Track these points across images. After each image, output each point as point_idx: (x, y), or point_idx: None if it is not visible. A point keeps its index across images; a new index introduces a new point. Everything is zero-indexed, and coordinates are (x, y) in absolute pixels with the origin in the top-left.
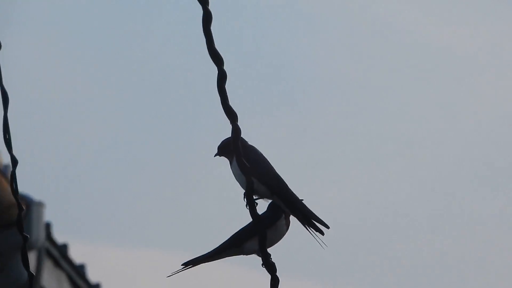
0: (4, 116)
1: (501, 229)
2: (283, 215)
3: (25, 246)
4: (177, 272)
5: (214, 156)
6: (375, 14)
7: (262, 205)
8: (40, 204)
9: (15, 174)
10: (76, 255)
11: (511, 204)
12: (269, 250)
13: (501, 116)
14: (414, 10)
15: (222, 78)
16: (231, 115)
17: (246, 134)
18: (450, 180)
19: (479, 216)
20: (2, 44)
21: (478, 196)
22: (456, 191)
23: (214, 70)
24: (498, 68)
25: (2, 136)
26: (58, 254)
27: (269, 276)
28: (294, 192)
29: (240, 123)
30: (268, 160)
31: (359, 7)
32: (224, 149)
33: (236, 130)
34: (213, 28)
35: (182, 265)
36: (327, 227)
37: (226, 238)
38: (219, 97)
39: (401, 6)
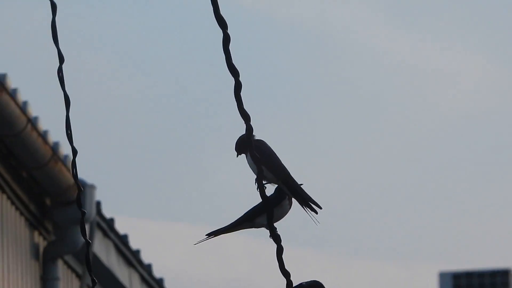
0: (66, 116)
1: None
2: (286, 197)
3: (83, 219)
4: (202, 241)
5: (237, 156)
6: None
7: (270, 189)
8: (92, 187)
9: (75, 162)
10: (121, 227)
11: None
12: (275, 224)
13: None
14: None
15: (238, 87)
16: (245, 117)
17: (257, 131)
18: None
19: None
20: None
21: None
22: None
23: (232, 81)
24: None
25: (65, 131)
26: (106, 226)
27: (275, 246)
28: (295, 178)
29: (252, 123)
30: (274, 152)
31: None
32: (240, 146)
33: (249, 129)
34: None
35: (206, 235)
36: (320, 207)
37: (241, 215)
38: (236, 103)
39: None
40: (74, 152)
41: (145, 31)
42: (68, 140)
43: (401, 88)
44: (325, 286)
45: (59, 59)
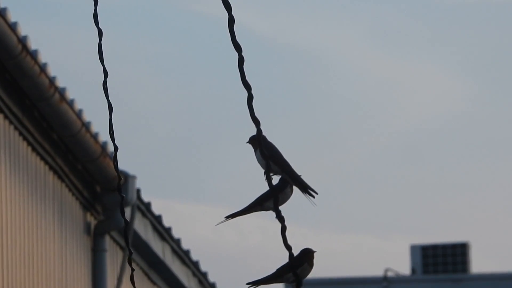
0: (109, 120)
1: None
2: (288, 185)
3: (122, 203)
4: (222, 222)
5: (246, 142)
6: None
7: (275, 179)
8: (133, 177)
9: (116, 157)
10: (156, 209)
11: None
12: (280, 208)
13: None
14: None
15: (250, 98)
16: (256, 122)
17: (264, 132)
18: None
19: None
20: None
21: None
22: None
23: (245, 93)
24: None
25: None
26: (145, 209)
27: (280, 225)
28: (295, 170)
29: (261, 126)
30: (278, 149)
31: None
32: (253, 141)
33: (259, 131)
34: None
35: (225, 217)
36: (316, 193)
37: (253, 200)
38: (248, 110)
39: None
40: (116, 149)
41: (175, 53)
42: (111, 139)
43: (377, 97)
44: (314, 251)
45: (104, 74)
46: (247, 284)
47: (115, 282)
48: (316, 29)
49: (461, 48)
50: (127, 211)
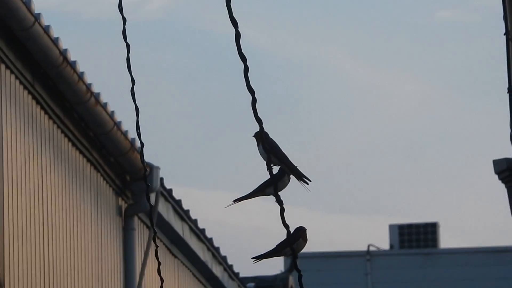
0: (137, 120)
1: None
2: (286, 174)
3: (147, 190)
4: (231, 205)
5: (252, 136)
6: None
7: (275, 169)
8: (157, 167)
9: (143, 151)
10: (176, 194)
11: None
12: (279, 193)
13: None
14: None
15: (254, 102)
16: (259, 121)
17: (266, 130)
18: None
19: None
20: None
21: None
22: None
23: (250, 97)
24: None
25: (136, 131)
26: (167, 194)
27: (279, 207)
28: (292, 161)
29: (263, 125)
30: (278, 144)
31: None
32: (257, 137)
33: (261, 129)
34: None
35: (233, 201)
36: (309, 180)
37: (256, 186)
38: (252, 112)
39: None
40: (142, 145)
41: (191, 62)
42: (138, 137)
43: (360, 100)
44: (307, 229)
45: (131, 82)
46: (252, 258)
47: (142, 256)
48: (308, 44)
49: (428, 60)
50: (152, 197)
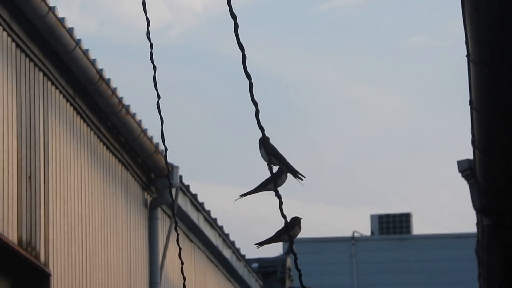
0: (161, 129)
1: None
2: (284, 173)
3: (170, 187)
4: (238, 198)
5: (258, 140)
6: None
7: (275, 168)
8: (177, 167)
9: (166, 154)
10: (193, 189)
11: None
12: (278, 188)
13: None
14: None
15: (257, 113)
16: (261, 129)
17: (267, 135)
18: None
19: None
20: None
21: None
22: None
23: (254, 108)
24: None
25: (160, 136)
26: (185, 189)
27: (278, 200)
28: (289, 161)
29: (265, 132)
30: (276, 148)
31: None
32: (260, 141)
33: (263, 135)
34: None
35: (240, 195)
36: (304, 177)
37: (259, 183)
38: (256, 121)
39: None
40: (165, 148)
41: (206, 79)
42: (162, 141)
43: (346, 110)
44: (301, 218)
45: (157, 96)
46: (255, 244)
47: (164, 241)
48: (302, 63)
49: (404, 77)
50: (173, 191)
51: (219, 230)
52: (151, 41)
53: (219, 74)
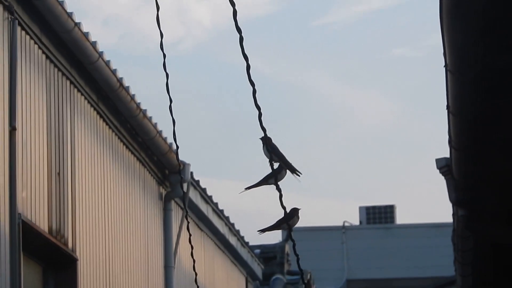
0: (173, 130)
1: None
2: (284, 169)
3: (181, 181)
4: (243, 192)
5: (259, 138)
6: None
7: (275, 165)
8: (188, 164)
9: (178, 152)
10: (203, 183)
11: None
12: (278, 182)
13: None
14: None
15: (260, 115)
16: (264, 130)
17: (269, 135)
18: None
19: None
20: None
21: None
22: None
23: (257, 112)
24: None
25: (173, 137)
26: (196, 184)
27: (278, 193)
28: (288, 159)
29: (267, 132)
30: (277, 147)
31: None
32: (262, 140)
33: (265, 135)
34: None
35: (245, 188)
36: (300, 173)
37: (261, 178)
38: (259, 123)
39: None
40: (177, 147)
41: (213, 86)
42: (174, 141)
43: (339, 113)
44: (299, 208)
45: (169, 100)
46: (258, 231)
47: (177, 229)
48: (298, 70)
49: (389, 83)
50: (185, 186)
51: (225, 220)
52: (164, 52)
53: (225, 82)
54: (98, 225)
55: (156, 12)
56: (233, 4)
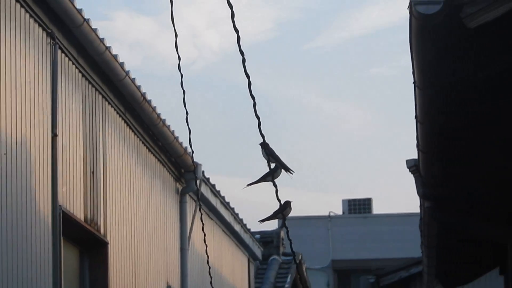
0: (189, 137)
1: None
2: (279, 168)
3: (196, 179)
4: (245, 187)
5: (259, 143)
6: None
7: (272, 165)
8: (200, 164)
9: (192, 155)
10: (212, 180)
11: None
12: (274, 180)
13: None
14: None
15: (259, 124)
16: (263, 136)
17: (267, 140)
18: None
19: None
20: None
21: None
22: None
23: (256, 121)
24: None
25: (188, 142)
26: (207, 180)
27: (274, 188)
28: (283, 160)
29: (265, 138)
30: (274, 150)
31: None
32: (261, 145)
33: (264, 141)
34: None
35: (247, 184)
36: (293, 171)
37: (260, 176)
38: (258, 130)
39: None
40: (192, 151)
41: (219, 100)
42: (190, 146)
43: (323, 123)
44: (291, 201)
45: (185, 112)
46: (259, 221)
47: (191, 219)
48: (291, 86)
49: (368, 96)
50: (197, 182)
51: (231, 210)
52: (181, 72)
53: (231, 96)
54: (125, 215)
55: (175, 39)
56: (237, 31)
